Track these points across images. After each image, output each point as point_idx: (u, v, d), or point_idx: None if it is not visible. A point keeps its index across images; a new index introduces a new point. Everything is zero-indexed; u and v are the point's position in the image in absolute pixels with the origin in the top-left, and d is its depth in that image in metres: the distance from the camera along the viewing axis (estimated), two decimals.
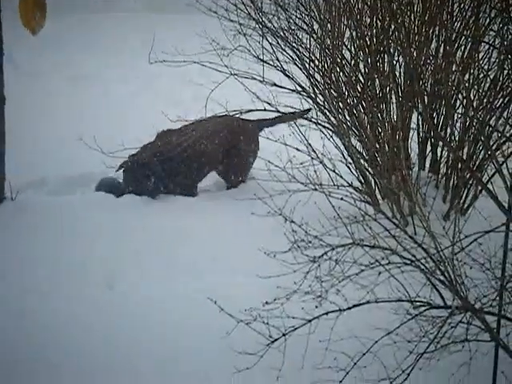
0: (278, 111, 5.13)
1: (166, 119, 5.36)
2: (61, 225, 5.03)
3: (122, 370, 3.63)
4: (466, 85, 4.57)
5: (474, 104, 4.58)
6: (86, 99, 7.31)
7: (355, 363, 3.27)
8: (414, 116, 4.90)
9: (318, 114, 4.99)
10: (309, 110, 5.28)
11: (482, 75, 4.63)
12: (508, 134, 4.21)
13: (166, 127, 5.62)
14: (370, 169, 4.87)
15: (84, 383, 3.59)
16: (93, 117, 6.80)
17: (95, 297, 4.20)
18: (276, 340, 3.33)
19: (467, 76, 4.63)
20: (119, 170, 5.51)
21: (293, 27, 5.10)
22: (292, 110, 5.29)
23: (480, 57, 4.68)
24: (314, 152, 4.57)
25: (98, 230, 4.98)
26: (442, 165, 4.96)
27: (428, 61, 4.76)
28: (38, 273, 4.44)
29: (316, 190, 3.92)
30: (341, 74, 4.90)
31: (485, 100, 4.58)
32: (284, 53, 5.17)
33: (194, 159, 5.55)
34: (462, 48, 4.77)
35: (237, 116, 5.50)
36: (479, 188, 4.75)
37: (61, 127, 6.52)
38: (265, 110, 5.20)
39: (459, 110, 4.76)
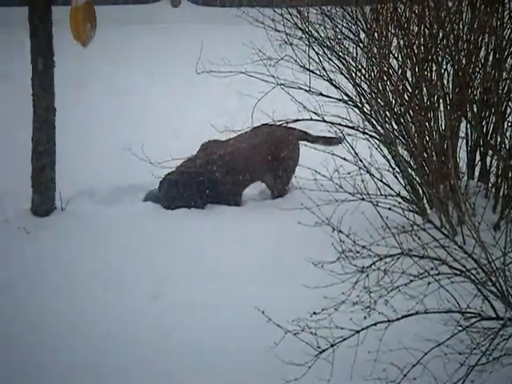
0: (325, 121, 5.11)
1: (212, 129, 5.39)
2: (110, 235, 5.09)
3: (167, 378, 3.65)
4: None
5: None
6: (133, 109, 7.38)
7: (405, 375, 3.23)
8: (463, 125, 4.84)
9: (365, 123, 4.96)
10: (341, 142, 5.20)
11: None
12: None
13: (213, 137, 5.66)
14: (417, 178, 4.82)
15: None
16: (140, 127, 6.87)
17: (142, 305, 4.24)
18: (324, 351, 3.31)
19: None
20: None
21: (339, 36, 5.09)
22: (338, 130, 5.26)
23: None
24: (361, 161, 4.56)
25: (146, 240, 5.03)
26: (491, 174, 4.89)
27: (477, 69, 4.70)
28: (88, 281, 4.50)
29: (363, 199, 3.90)
30: (388, 82, 4.87)
31: None
32: (330, 62, 5.15)
33: (239, 169, 5.57)
34: None
35: (279, 125, 5.49)
36: None
37: (109, 138, 6.59)
38: (311, 119, 5.19)
39: (509, 118, 4.69)
